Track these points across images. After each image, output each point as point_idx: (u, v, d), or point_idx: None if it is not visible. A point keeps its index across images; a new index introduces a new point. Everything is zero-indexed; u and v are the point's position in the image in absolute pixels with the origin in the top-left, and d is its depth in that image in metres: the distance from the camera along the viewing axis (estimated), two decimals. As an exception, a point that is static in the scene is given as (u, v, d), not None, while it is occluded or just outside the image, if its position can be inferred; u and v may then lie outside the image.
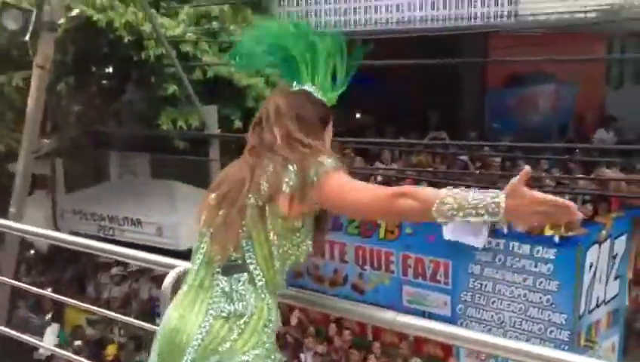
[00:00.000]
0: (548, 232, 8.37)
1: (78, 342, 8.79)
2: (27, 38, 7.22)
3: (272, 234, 1.85)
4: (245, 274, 1.85)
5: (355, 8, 9.30)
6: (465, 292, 8.93)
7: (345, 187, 1.82)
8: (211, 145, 7.55)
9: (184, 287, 1.94)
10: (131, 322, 3.23)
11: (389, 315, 1.98)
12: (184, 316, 1.85)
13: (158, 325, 2.03)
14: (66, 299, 4.23)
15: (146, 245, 8.09)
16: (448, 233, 8.75)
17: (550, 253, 8.30)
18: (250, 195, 1.86)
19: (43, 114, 7.91)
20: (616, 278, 9.03)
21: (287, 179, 1.83)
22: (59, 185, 10.90)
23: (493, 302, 8.77)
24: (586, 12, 7.54)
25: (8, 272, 7.93)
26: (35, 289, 4.43)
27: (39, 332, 8.54)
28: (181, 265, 2.38)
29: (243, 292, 1.84)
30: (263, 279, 1.87)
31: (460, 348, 8.87)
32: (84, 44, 7.93)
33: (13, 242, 8.20)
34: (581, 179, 8.81)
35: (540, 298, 8.38)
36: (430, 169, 9.93)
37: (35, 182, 10.88)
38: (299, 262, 1.94)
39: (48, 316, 9.50)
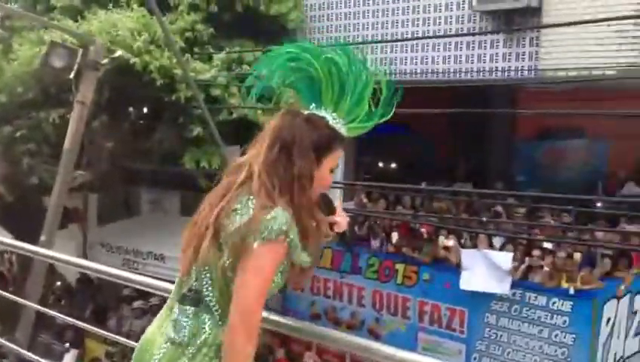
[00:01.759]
0: (564, 285, 8.34)
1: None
2: (72, 75, 7.73)
3: (228, 270, 1.81)
4: (194, 307, 1.86)
5: (381, 59, 9.60)
6: (480, 342, 8.88)
7: (256, 268, 1.76)
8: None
9: (165, 306, 2.00)
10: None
11: (389, 350, 1.92)
12: (153, 334, 1.93)
13: None
14: (89, 326, 4.41)
15: (169, 280, 8.27)
16: (465, 284, 8.79)
17: (566, 306, 8.25)
18: (212, 226, 1.83)
19: (79, 149, 8.36)
20: (636, 335, 8.86)
21: (238, 225, 1.78)
22: (92, 218, 11.33)
23: (509, 353, 8.69)
24: (604, 68, 7.61)
25: (35, 299, 8.25)
26: (60, 315, 4.62)
27: (59, 358, 8.80)
28: None
29: (185, 324, 1.85)
30: (220, 309, 1.85)
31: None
32: (120, 84, 8.42)
33: (41, 270, 8.58)
34: (601, 231, 8.74)
35: (556, 350, 8.29)
36: (450, 215, 10.01)
37: (69, 216, 11.40)
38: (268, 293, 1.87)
39: (67, 344, 9.78)
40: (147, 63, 8.31)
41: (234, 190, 1.85)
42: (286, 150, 1.85)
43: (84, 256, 10.29)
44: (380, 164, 13.56)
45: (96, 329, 4.32)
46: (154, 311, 9.88)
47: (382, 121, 1.97)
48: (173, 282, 2.06)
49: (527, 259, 8.70)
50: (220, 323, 1.85)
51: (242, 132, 8.79)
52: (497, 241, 9.30)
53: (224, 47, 9.38)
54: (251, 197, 1.81)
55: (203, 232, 1.85)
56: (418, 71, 9.81)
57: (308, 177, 1.85)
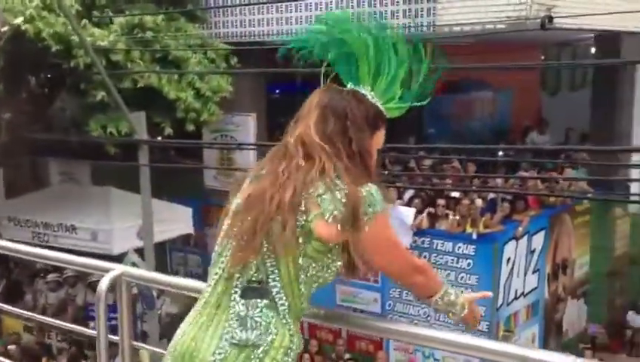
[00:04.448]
0: (468, 230, 8.83)
1: (12, 347, 8.90)
2: None
3: (301, 257, 1.69)
4: (265, 299, 1.70)
5: (277, 19, 9.63)
6: (393, 289, 9.30)
7: (387, 243, 1.77)
8: (141, 151, 7.77)
9: (199, 303, 1.78)
10: (69, 327, 3.34)
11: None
12: (198, 338, 1.71)
13: (92, 329, 2.12)
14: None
15: (81, 251, 8.14)
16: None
17: (470, 249, 8.77)
18: (286, 209, 1.68)
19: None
20: (534, 272, 9.53)
21: (331, 208, 1.67)
22: (-1, 193, 10.96)
23: (420, 298, 9.16)
24: (495, 23, 7.94)
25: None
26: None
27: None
28: (116, 268, 2.33)
29: (258, 320, 1.68)
30: (286, 303, 1.71)
31: (389, 342, 9.26)
32: (14, 52, 8.10)
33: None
34: (499, 178, 9.27)
35: (462, 292, 8.78)
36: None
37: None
38: (326, 283, 1.79)
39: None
40: (40, 30, 8.00)
41: (296, 173, 1.71)
42: (340, 125, 1.76)
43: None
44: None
45: (8, 307, 4.30)
46: (69, 282, 9.80)
47: (419, 104, 1.89)
48: (84, 254, 1.97)
49: (428, 208, 9.11)
50: (284, 320, 1.71)
51: (147, 98, 8.69)
52: (407, 195, 9.70)
53: (124, 10, 9.13)
54: (334, 177, 1.70)
55: (267, 222, 1.68)
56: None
57: (367, 152, 1.79)
